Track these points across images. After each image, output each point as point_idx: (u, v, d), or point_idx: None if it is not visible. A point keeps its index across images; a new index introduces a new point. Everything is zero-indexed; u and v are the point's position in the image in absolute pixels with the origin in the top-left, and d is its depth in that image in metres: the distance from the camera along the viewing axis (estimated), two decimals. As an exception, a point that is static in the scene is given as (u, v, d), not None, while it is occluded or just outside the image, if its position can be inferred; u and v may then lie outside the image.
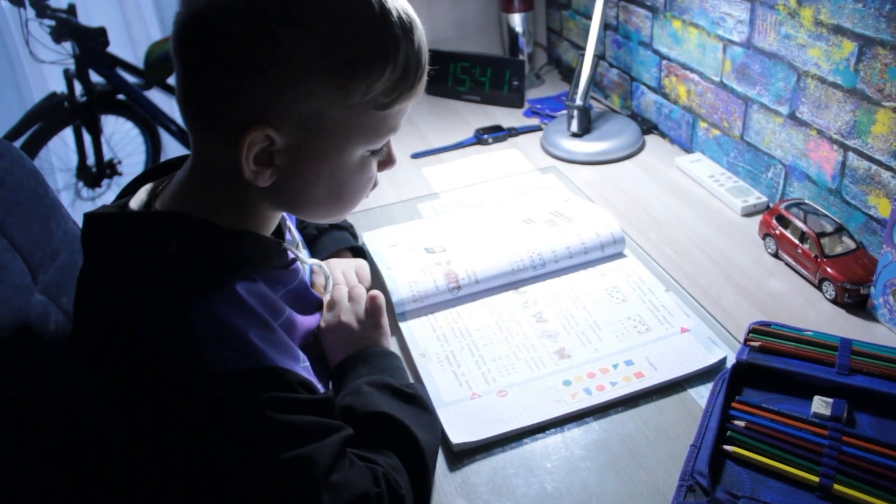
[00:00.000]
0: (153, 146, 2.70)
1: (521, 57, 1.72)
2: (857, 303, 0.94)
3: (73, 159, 2.57)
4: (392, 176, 1.33)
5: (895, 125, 0.92)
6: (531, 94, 1.67)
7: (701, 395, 0.81)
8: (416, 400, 0.75)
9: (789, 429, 0.73)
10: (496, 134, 1.46)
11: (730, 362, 0.83)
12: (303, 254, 0.84)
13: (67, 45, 2.36)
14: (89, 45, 2.37)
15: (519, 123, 1.52)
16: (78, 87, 2.42)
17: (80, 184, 2.60)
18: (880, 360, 0.79)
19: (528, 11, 1.70)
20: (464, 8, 1.72)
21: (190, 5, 0.61)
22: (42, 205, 0.81)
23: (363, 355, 0.81)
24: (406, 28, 0.64)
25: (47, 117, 2.41)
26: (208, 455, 0.60)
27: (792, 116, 1.09)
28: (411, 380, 0.82)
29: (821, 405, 0.75)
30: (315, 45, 0.60)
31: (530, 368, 0.86)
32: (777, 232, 1.03)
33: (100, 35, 2.36)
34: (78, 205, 2.60)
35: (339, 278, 0.93)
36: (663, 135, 1.43)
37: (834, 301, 0.95)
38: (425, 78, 0.68)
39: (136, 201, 0.69)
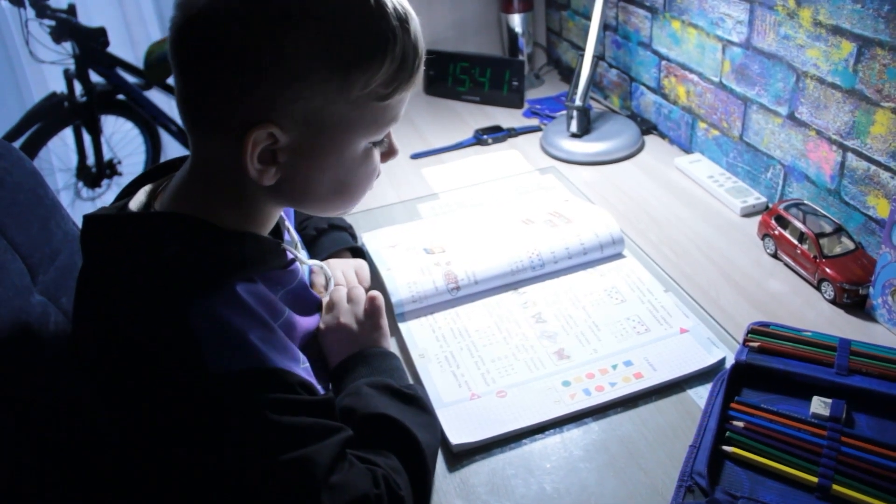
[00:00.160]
0: (153, 146, 2.70)
1: (520, 57, 1.72)
2: (855, 303, 0.94)
3: (73, 159, 2.57)
4: (392, 176, 1.34)
5: (894, 126, 0.92)
6: (531, 94, 1.67)
7: (700, 395, 0.81)
8: (416, 401, 0.75)
9: (788, 429, 0.73)
10: (496, 134, 1.46)
11: (729, 363, 0.84)
12: (301, 254, 0.84)
13: (67, 46, 2.36)
14: (89, 46, 2.37)
15: (518, 124, 1.52)
16: (78, 88, 2.42)
17: (80, 184, 2.61)
18: (879, 360, 0.79)
19: (528, 12, 1.70)
20: (463, 8, 1.72)
21: (186, 9, 0.61)
22: (42, 205, 0.81)
23: (363, 356, 0.81)
24: (402, 19, 0.64)
25: (47, 117, 2.41)
26: (208, 456, 0.61)
27: (791, 117, 1.09)
28: (411, 381, 0.82)
29: (820, 406, 0.75)
30: (315, 42, 0.61)
31: (529, 369, 0.86)
32: (776, 232, 1.03)
33: (100, 35, 2.36)
34: (78, 205, 2.60)
35: (339, 279, 0.93)
36: (663, 135, 1.43)
37: (833, 301, 0.95)
38: (423, 66, 0.69)
39: (135, 202, 0.69)
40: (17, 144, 1.82)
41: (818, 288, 0.97)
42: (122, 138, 2.66)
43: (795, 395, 0.78)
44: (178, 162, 0.73)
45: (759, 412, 0.75)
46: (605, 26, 1.53)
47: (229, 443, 0.60)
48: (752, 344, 0.83)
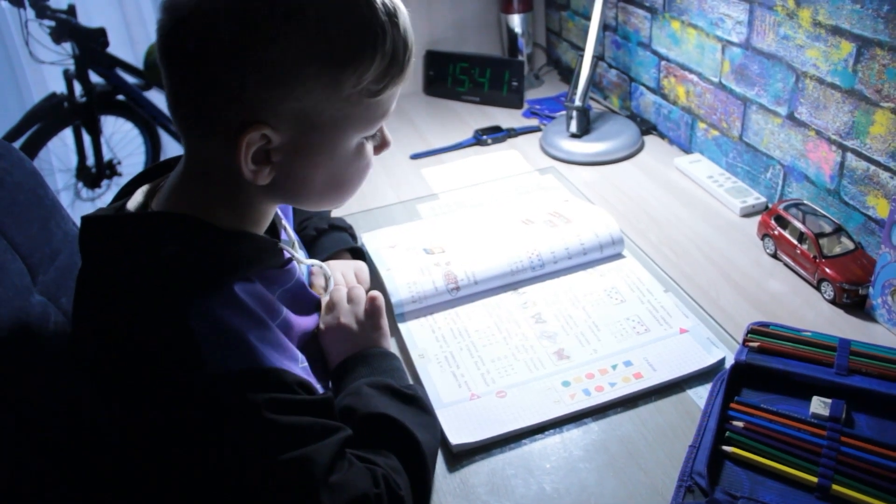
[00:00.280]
0: (153, 146, 2.70)
1: (520, 58, 1.72)
2: (855, 303, 0.94)
3: (73, 160, 2.57)
4: (391, 177, 1.34)
5: (893, 126, 0.92)
6: (530, 94, 1.67)
7: (700, 395, 0.81)
8: (416, 401, 0.75)
9: (788, 429, 0.73)
10: (495, 135, 1.46)
11: (728, 363, 0.84)
12: (299, 253, 0.84)
13: (67, 46, 2.36)
14: (89, 46, 2.37)
15: (518, 124, 1.52)
16: (78, 88, 2.42)
17: (80, 184, 2.61)
18: (879, 360, 0.79)
19: (528, 12, 1.70)
20: (463, 9, 1.72)
21: (173, 12, 0.61)
22: (41, 205, 0.81)
23: (363, 356, 0.81)
24: (391, 13, 0.64)
25: (47, 118, 2.41)
26: (207, 456, 0.61)
27: (790, 117, 1.09)
28: (411, 381, 0.82)
29: (819, 406, 0.75)
30: (305, 42, 0.60)
31: (529, 369, 0.86)
32: (776, 232, 1.03)
33: (99, 35, 2.36)
34: (78, 205, 2.60)
35: (339, 279, 0.93)
36: (662, 135, 1.43)
37: (832, 301, 0.95)
38: (413, 60, 0.69)
39: (132, 203, 0.69)
40: (17, 145, 1.82)
41: (818, 288, 0.97)
42: (122, 139, 2.66)
43: (795, 395, 0.78)
44: (174, 162, 0.73)
45: (759, 412, 0.75)
46: (604, 26, 1.53)
47: (228, 443, 0.60)
48: (751, 344, 0.83)
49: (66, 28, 2.31)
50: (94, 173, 2.58)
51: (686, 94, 1.33)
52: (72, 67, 2.40)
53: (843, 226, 0.99)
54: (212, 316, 0.62)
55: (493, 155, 1.41)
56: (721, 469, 0.71)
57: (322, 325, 0.84)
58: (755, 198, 1.17)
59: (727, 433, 0.74)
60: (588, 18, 1.41)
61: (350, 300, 0.87)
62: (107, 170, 2.61)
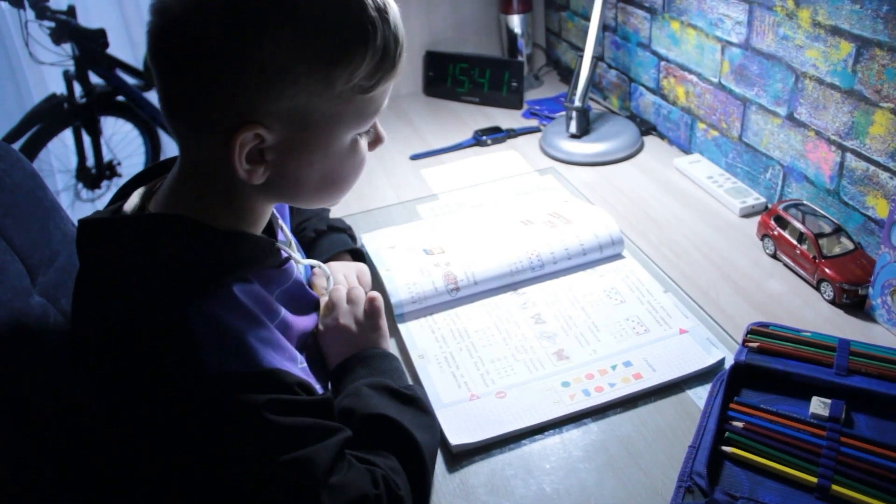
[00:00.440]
0: (153, 147, 2.70)
1: (519, 58, 1.72)
2: (855, 303, 0.94)
3: (73, 161, 2.57)
4: (391, 177, 1.34)
5: (893, 126, 0.92)
6: (530, 95, 1.67)
7: (699, 396, 0.81)
8: (415, 402, 0.75)
9: (787, 430, 0.73)
10: (495, 135, 1.46)
11: (728, 363, 0.84)
12: (296, 253, 0.84)
13: (67, 47, 2.36)
14: (89, 47, 2.37)
15: (518, 125, 1.52)
16: (77, 89, 2.42)
17: (80, 185, 2.61)
18: (878, 360, 0.79)
19: (527, 13, 1.70)
20: (463, 9, 1.72)
21: (163, 13, 0.61)
22: (41, 207, 0.81)
23: (362, 357, 0.81)
24: (381, 9, 0.64)
25: (47, 119, 2.41)
26: (207, 457, 0.61)
27: (790, 117, 1.09)
28: (410, 381, 0.82)
29: (819, 406, 0.75)
30: (295, 41, 0.60)
31: (529, 370, 0.86)
32: (775, 233, 1.03)
33: (99, 36, 2.36)
34: (77, 206, 2.60)
35: (339, 280, 0.93)
36: (662, 136, 1.43)
37: (832, 302, 0.95)
38: (405, 55, 0.69)
39: (129, 205, 0.69)
40: (16, 146, 1.82)
41: (817, 288, 0.97)
42: (122, 139, 2.66)
43: (795, 395, 0.78)
44: (171, 163, 0.73)
45: (759, 412, 0.75)
46: (604, 27, 1.53)
47: (228, 444, 0.60)
48: (751, 344, 0.83)
49: (65, 29, 2.31)
50: (93, 174, 2.58)
51: (685, 94, 1.33)
52: (72, 68, 2.40)
53: (843, 226, 0.99)
54: (210, 317, 0.62)
55: (492, 155, 1.41)
56: (721, 469, 0.71)
57: (321, 326, 0.84)
58: (755, 198, 1.17)
59: (727, 433, 0.74)
60: (587, 19, 1.41)
61: (349, 301, 0.87)
62: (107, 171, 2.61)
